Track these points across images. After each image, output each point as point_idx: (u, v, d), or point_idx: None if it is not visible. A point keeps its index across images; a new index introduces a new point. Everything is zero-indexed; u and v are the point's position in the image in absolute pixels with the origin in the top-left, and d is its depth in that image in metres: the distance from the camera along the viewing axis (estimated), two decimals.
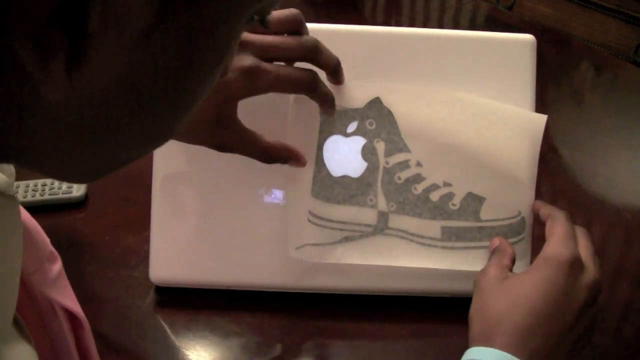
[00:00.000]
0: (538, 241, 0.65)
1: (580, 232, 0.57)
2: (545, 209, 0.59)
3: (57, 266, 0.43)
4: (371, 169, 0.61)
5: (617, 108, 1.04)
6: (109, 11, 0.23)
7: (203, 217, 0.64)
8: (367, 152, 0.61)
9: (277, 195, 0.63)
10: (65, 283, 0.44)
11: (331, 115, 0.60)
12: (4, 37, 0.22)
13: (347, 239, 0.62)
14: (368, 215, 0.61)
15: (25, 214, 0.38)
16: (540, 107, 0.63)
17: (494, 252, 0.58)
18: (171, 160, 0.63)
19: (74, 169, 0.30)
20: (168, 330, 0.62)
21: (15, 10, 0.21)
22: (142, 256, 0.67)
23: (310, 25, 0.60)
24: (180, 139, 0.56)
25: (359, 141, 0.61)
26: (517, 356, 0.48)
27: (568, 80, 1.14)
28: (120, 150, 0.30)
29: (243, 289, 0.65)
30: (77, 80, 0.24)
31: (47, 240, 0.43)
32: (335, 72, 0.58)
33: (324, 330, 0.63)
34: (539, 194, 0.63)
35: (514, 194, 0.62)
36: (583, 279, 0.53)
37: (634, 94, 1.09)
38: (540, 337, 0.50)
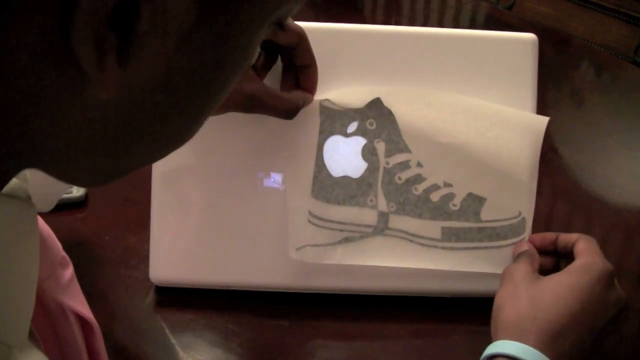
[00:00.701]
0: None
1: None
2: (571, 235, 0.60)
3: (69, 271, 0.43)
4: (371, 170, 0.61)
5: (617, 108, 1.04)
6: (158, 11, 0.24)
7: (203, 217, 0.64)
8: (368, 153, 0.61)
9: (278, 194, 0.63)
10: (77, 288, 0.44)
11: (313, 85, 0.59)
12: (67, 38, 0.23)
13: (347, 240, 0.62)
14: (368, 216, 0.61)
15: (39, 220, 0.38)
16: (540, 107, 0.63)
17: (522, 253, 0.59)
18: (171, 161, 0.63)
19: (96, 172, 0.31)
20: (168, 330, 0.62)
21: (79, 12, 0.22)
22: (142, 256, 0.67)
23: (310, 25, 0.60)
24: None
25: (359, 141, 0.61)
26: (547, 356, 0.49)
27: (568, 80, 1.14)
28: (144, 152, 0.30)
29: (243, 289, 0.65)
30: (123, 80, 0.25)
31: (60, 245, 0.43)
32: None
33: (324, 330, 0.63)
34: (539, 194, 0.63)
35: (514, 195, 0.62)
36: (615, 293, 0.54)
37: (634, 94, 1.09)
38: (570, 341, 0.51)
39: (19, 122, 0.25)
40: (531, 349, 0.49)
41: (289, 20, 0.55)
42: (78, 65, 0.24)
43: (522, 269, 0.56)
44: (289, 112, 0.57)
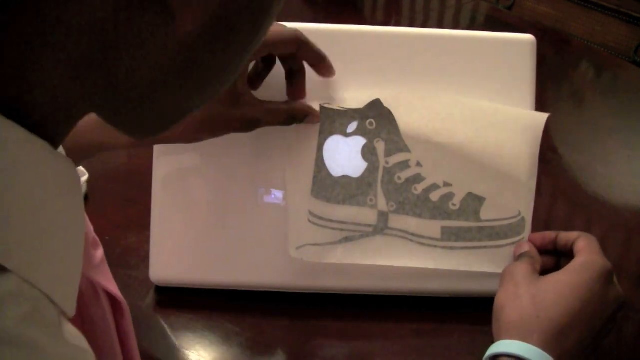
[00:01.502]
0: None
1: None
2: (571, 233, 0.60)
3: (100, 252, 0.44)
4: (371, 169, 0.61)
5: (617, 108, 1.04)
6: None
7: (203, 217, 0.64)
8: (367, 152, 0.61)
9: (277, 195, 0.63)
10: (107, 269, 0.45)
11: (331, 75, 0.59)
12: None
13: (347, 239, 0.62)
14: (368, 215, 0.61)
15: None
16: (540, 107, 0.63)
17: (524, 254, 0.59)
18: (171, 161, 0.63)
19: (160, 113, 0.33)
20: (168, 330, 0.62)
21: None
22: (142, 256, 0.67)
23: (309, 26, 0.60)
24: (210, 134, 0.57)
25: (359, 141, 0.61)
26: (551, 355, 0.49)
27: (568, 80, 1.14)
28: (198, 91, 0.33)
29: (243, 289, 0.65)
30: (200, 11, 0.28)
31: (91, 226, 0.43)
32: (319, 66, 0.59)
33: (324, 330, 0.63)
34: (539, 194, 0.63)
35: (514, 194, 0.62)
36: (614, 291, 0.54)
37: (634, 94, 1.09)
38: (572, 339, 0.51)
39: (103, 57, 0.27)
40: (536, 348, 0.49)
41: (284, 29, 0.55)
42: (163, 1, 0.27)
43: (523, 269, 0.56)
44: (285, 121, 0.59)
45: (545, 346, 0.49)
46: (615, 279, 0.55)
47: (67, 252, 0.30)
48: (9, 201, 0.27)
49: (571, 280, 0.53)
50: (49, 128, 0.28)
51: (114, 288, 0.44)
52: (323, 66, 0.59)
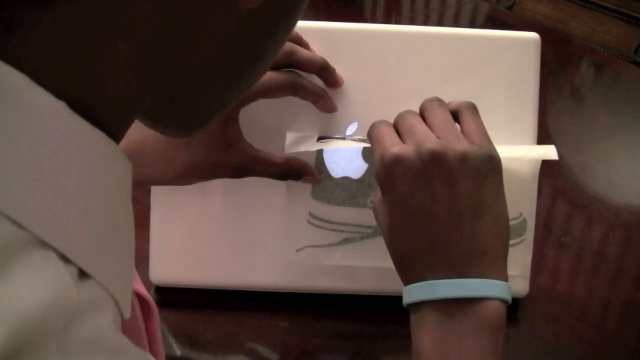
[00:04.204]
0: (538, 241, 0.65)
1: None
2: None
3: None
4: (372, 170, 0.61)
5: (617, 108, 1.04)
6: None
7: (203, 217, 0.64)
8: (368, 153, 0.61)
9: (277, 195, 0.63)
10: (135, 271, 0.44)
11: (332, 111, 0.59)
12: None
13: (347, 241, 0.62)
14: (368, 217, 0.61)
15: None
16: (540, 107, 0.63)
17: None
18: None
19: (205, 105, 0.34)
20: (168, 330, 0.62)
21: None
22: (142, 256, 0.67)
23: (310, 24, 0.60)
24: (200, 178, 0.57)
25: (360, 142, 0.61)
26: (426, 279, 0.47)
27: (568, 80, 1.14)
28: (238, 80, 0.34)
29: (243, 289, 0.65)
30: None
31: None
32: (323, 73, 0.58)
33: (324, 331, 0.63)
34: (538, 194, 0.63)
35: (515, 196, 0.61)
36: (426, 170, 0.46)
37: (634, 94, 1.09)
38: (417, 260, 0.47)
39: (166, 41, 0.28)
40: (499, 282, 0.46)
41: (279, 75, 0.55)
42: None
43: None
44: (279, 177, 0.58)
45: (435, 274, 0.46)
46: (416, 137, 0.47)
47: (126, 254, 0.30)
48: (86, 204, 0.26)
49: (385, 209, 0.48)
50: (111, 125, 0.28)
51: (142, 289, 0.44)
52: (323, 102, 0.58)
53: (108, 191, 0.28)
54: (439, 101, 0.50)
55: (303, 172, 0.59)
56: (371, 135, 0.50)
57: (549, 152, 0.58)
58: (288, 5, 0.32)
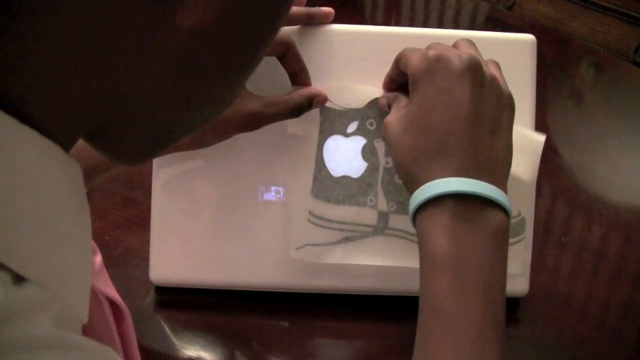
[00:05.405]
0: (538, 241, 0.65)
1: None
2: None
3: (99, 258, 0.43)
4: (371, 169, 0.61)
5: (617, 108, 1.04)
6: None
7: (203, 217, 0.64)
8: (367, 152, 0.61)
9: (277, 194, 0.63)
10: (106, 274, 0.44)
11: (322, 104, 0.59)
12: None
13: (347, 239, 0.62)
14: (368, 216, 0.61)
15: None
16: (540, 107, 0.63)
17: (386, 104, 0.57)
18: (171, 161, 0.63)
19: (154, 133, 0.31)
20: (168, 330, 0.62)
21: None
22: (142, 256, 0.67)
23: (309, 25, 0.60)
24: (214, 136, 0.56)
25: (359, 141, 0.61)
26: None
27: (568, 80, 1.14)
28: (204, 101, 0.31)
29: (243, 289, 0.65)
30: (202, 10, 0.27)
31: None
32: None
33: (324, 330, 0.63)
34: (538, 194, 0.63)
35: (514, 194, 0.62)
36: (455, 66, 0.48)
37: (634, 94, 1.09)
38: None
39: (100, 60, 0.26)
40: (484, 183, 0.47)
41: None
42: None
43: (393, 116, 0.52)
44: (292, 112, 0.57)
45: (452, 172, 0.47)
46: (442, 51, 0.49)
47: (78, 256, 0.29)
48: (21, 206, 0.26)
49: (408, 110, 0.50)
50: (57, 133, 0.27)
51: (114, 293, 0.44)
52: (302, 76, 0.58)
53: (51, 192, 0.27)
54: (466, 39, 0.53)
55: (313, 95, 0.58)
56: (405, 51, 0.54)
57: (537, 137, 0.60)
58: (249, 27, 0.29)
